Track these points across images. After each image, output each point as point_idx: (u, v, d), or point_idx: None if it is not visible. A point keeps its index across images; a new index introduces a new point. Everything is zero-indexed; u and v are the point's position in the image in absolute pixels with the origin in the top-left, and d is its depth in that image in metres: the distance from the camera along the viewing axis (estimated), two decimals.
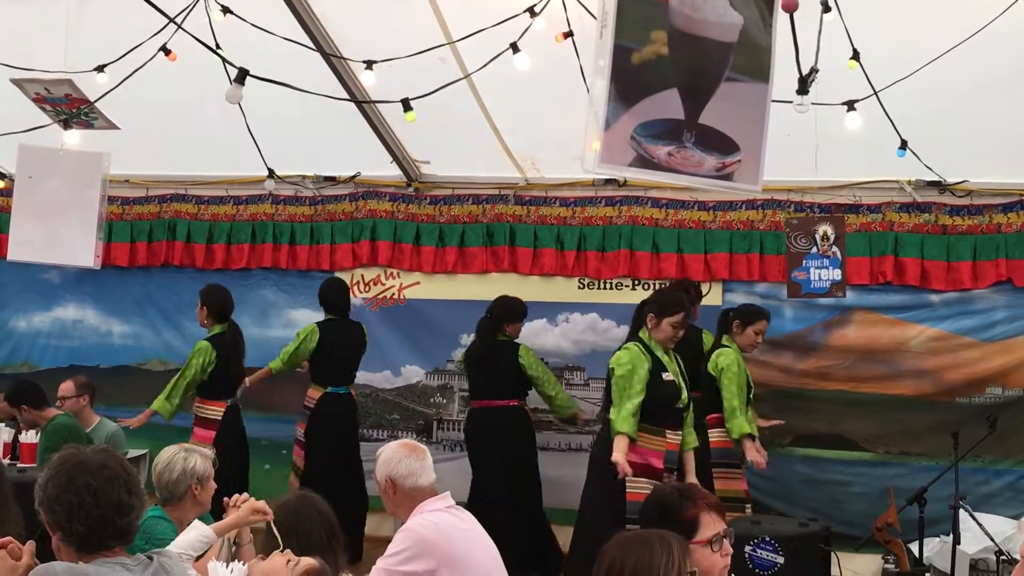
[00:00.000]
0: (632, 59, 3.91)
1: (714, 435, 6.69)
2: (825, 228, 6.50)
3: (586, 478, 6.54)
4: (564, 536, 7.89)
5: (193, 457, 4.57)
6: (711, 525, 3.46)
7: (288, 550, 3.13)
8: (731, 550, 3.50)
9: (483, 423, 7.57)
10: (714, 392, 6.64)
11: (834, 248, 6.46)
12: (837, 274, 6.47)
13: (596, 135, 3.88)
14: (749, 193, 5.13)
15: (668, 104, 4.02)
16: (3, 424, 7.45)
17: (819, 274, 6.48)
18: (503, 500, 7.18)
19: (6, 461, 6.72)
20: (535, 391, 7.68)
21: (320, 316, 8.01)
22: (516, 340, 7.65)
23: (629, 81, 3.90)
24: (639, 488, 5.82)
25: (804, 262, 6.50)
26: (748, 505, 6.69)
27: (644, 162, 4.00)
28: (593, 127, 3.88)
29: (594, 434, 7.85)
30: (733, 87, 4.09)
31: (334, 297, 7.85)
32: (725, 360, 6.64)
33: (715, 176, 4.09)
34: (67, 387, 7.55)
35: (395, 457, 4.34)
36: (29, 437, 6.86)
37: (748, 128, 4.14)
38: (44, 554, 3.00)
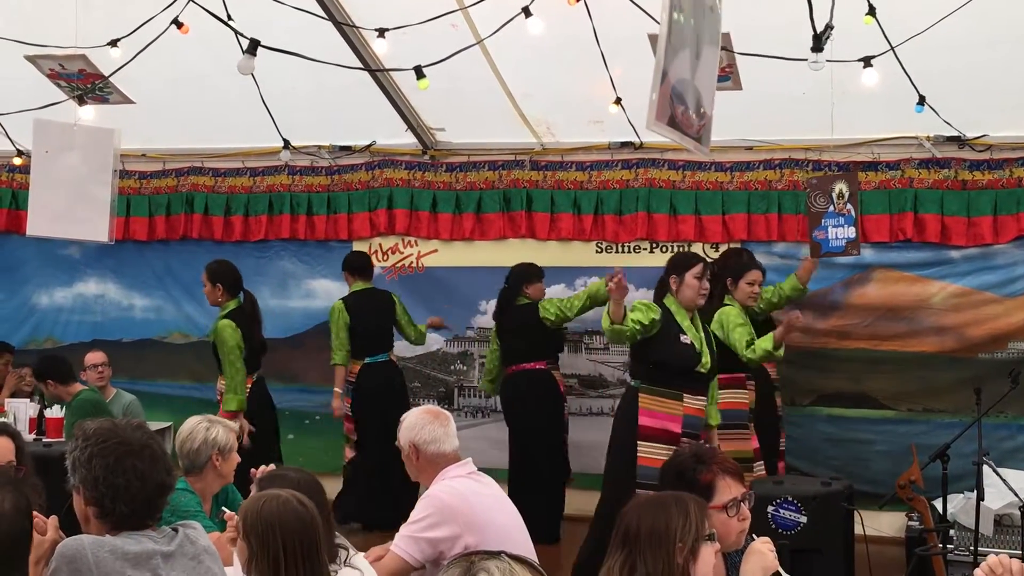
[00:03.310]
0: (674, 15, 3.93)
1: (723, 396, 6.63)
2: (840, 186, 6.46)
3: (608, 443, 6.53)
4: (585, 500, 7.94)
5: (216, 428, 4.61)
6: (727, 490, 3.45)
7: None
8: (748, 515, 3.47)
9: (516, 385, 7.60)
10: (722, 352, 6.56)
11: (848, 205, 6.41)
12: (851, 231, 6.42)
13: (657, 90, 3.89)
14: (703, 155, 5.24)
15: (685, 64, 4.07)
16: (29, 399, 7.54)
17: (835, 232, 6.44)
18: (538, 465, 7.32)
19: (32, 436, 6.80)
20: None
21: (340, 290, 8.02)
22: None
23: (672, 38, 3.93)
24: (651, 453, 5.75)
25: (823, 221, 6.46)
26: (760, 463, 6.68)
27: (672, 121, 4.04)
28: (657, 82, 3.89)
29: (616, 399, 7.89)
30: (707, 51, 4.20)
31: (359, 260, 7.90)
32: (725, 315, 6.50)
33: (693, 137, 4.17)
34: (99, 356, 7.68)
35: (418, 423, 4.35)
36: (54, 412, 6.94)
37: (711, 91, 4.26)
38: (67, 528, 3.03)
